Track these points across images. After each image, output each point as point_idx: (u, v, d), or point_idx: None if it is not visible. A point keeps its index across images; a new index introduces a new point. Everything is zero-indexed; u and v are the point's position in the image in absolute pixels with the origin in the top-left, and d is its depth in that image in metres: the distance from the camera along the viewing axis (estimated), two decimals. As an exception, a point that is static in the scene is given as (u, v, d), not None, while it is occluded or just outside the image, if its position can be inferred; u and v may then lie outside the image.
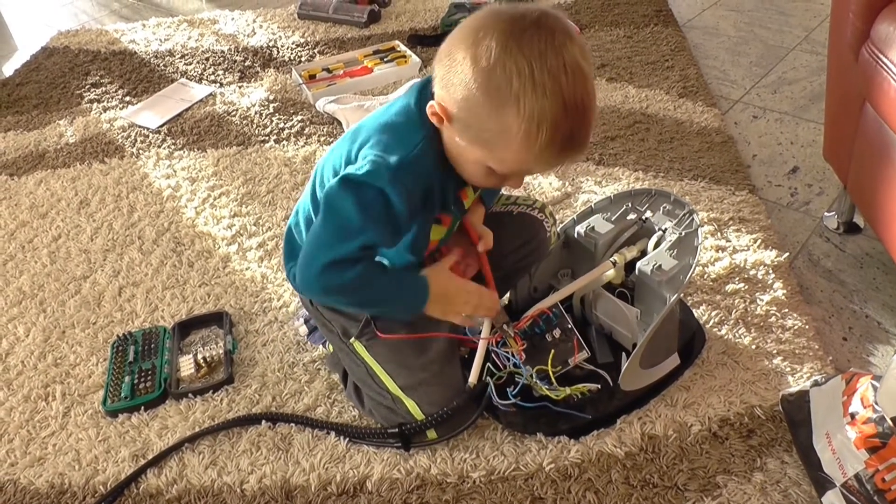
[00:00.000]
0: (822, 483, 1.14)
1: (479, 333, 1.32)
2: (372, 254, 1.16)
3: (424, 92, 1.15)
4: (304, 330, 1.52)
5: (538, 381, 1.29)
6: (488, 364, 1.31)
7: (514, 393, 1.28)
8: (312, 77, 2.55)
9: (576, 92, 1.00)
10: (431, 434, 1.27)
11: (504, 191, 1.87)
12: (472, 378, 1.27)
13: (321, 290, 1.20)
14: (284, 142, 2.23)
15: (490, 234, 1.33)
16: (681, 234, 1.33)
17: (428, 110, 1.09)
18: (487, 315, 1.29)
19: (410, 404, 1.27)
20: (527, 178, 1.93)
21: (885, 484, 1.06)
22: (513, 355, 1.31)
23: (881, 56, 1.36)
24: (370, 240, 1.13)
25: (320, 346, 1.50)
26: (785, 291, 1.54)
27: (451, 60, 1.04)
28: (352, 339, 1.31)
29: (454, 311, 1.26)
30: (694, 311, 1.50)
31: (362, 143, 1.16)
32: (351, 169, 1.12)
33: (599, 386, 1.32)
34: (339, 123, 2.26)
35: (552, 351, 1.33)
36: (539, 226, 1.44)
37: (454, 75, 1.03)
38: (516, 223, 1.43)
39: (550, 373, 1.30)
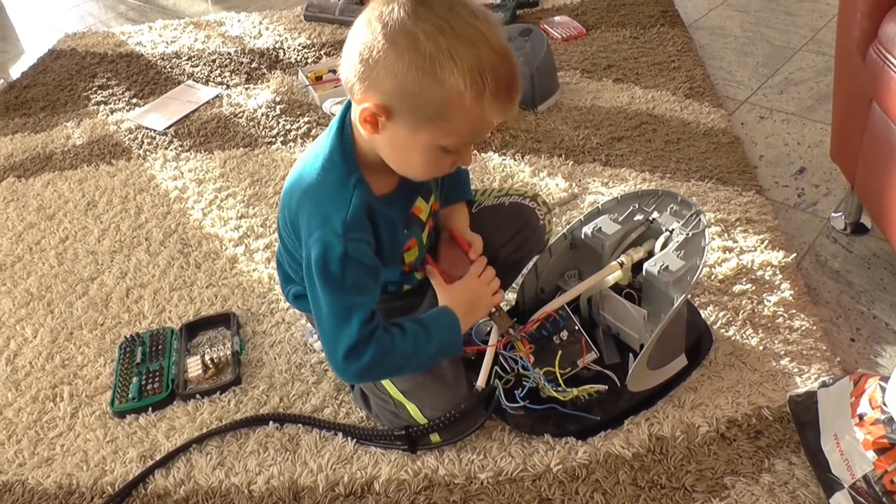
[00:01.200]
0: (830, 484, 1.14)
1: (487, 336, 1.32)
2: (375, 324, 1.14)
3: (344, 131, 1.13)
4: (318, 345, 1.51)
5: (546, 383, 1.29)
6: (496, 367, 1.30)
7: (521, 395, 1.28)
8: (319, 79, 2.55)
9: (497, 35, 1.01)
10: (435, 438, 1.27)
11: (495, 184, 1.89)
12: (480, 381, 1.27)
13: (355, 378, 1.28)
14: (291, 143, 2.24)
15: (479, 238, 1.32)
16: (688, 234, 1.33)
17: (359, 119, 1.05)
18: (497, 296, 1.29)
19: (412, 408, 1.27)
20: (532, 180, 1.93)
21: (894, 485, 1.05)
22: (521, 358, 1.31)
23: (889, 56, 1.36)
24: (364, 311, 1.12)
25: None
26: (792, 292, 1.54)
27: (364, 58, 1.01)
28: None
29: (482, 312, 1.28)
30: (701, 311, 1.49)
31: (295, 212, 1.15)
32: (309, 253, 1.12)
33: (607, 387, 1.31)
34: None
35: (559, 352, 1.33)
36: (531, 213, 1.43)
37: (377, 69, 1.00)
38: (508, 213, 1.41)
39: (558, 374, 1.30)
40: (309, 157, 1.18)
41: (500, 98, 1.03)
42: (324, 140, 1.17)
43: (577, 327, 1.36)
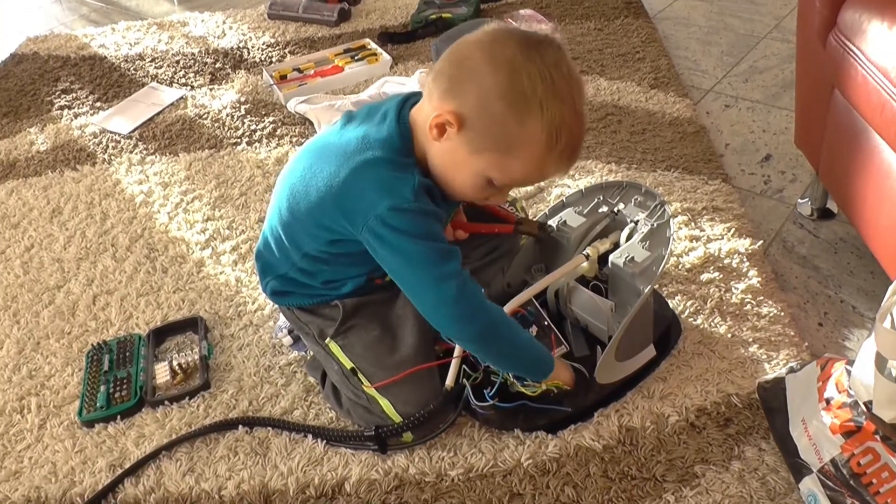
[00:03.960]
0: (798, 469, 1.15)
1: None
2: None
3: (401, 119, 1.16)
4: (287, 340, 1.50)
5: (514, 379, 1.28)
6: (464, 366, 1.30)
7: (491, 394, 1.27)
8: (283, 77, 2.54)
9: (581, 101, 1.09)
10: (407, 437, 1.27)
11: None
12: (449, 380, 1.27)
13: (467, 321, 1.20)
14: (257, 144, 2.22)
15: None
16: (653, 225, 1.33)
17: (429, 122, 1.09)
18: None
19: (385, 403, 1.27)
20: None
21: (861, 468, 1.06)
22: None
23: (848, 43, 1.36)
24: (458, 257, 1.16)
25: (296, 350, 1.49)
26: (760, 279, 1.54)
27: (460, 69, 1.07)
28: (327, 340, 1.32)
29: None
30: (669, 301, 1.50)
31: (347, 190, 1.14)
32: (380, 222, 1.12)
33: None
34: (311, 123, 2.25)
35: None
36: (509, 218, 1.43)
37: (468, 83, 1.05)
38: (485, 216, 1.43)
39: (527, 369, 1.30)
40: (348, 142, 1.17)
41: (565, 157, 1.11)
42: (368, 124, 1.18)
43: (546, 322, 1.36)
